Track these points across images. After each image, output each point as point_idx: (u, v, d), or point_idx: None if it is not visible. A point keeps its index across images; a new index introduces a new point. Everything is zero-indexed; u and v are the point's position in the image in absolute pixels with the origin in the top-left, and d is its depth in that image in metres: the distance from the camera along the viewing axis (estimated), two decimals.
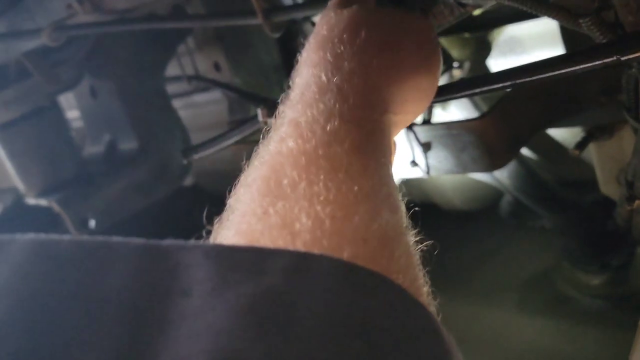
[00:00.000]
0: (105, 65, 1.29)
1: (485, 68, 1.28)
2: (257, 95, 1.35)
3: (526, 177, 1.33)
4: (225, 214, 0.45)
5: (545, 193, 1.38)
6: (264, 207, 0.40)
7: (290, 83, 0.55)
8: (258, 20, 0.91)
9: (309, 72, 0.52)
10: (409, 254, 0.41)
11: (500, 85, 0.67)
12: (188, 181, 1.85)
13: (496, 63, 1.26)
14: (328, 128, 0.44)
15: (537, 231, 1.67)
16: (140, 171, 1.29)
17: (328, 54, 0.52)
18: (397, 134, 0.60)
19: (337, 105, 0.47)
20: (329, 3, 0.63)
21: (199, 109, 2.09)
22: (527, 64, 0.67)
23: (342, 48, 0.52)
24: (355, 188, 0.40)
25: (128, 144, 1.32)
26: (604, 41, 0.62)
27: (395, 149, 0.63)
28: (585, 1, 0.79)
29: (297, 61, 0.57)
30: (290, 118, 0.47)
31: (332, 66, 0.51)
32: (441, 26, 0.73)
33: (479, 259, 1.91)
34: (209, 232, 0.46)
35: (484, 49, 1.27)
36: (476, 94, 0.76)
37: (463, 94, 0.72)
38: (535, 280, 1.74)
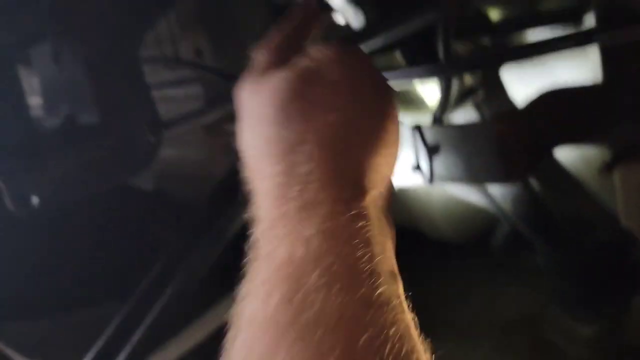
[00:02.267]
0: (72, 27, 1.14)
1: (498, 78, 1.16)
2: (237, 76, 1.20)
3: (530, 204, 1.21)
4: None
5: (548, 225, 1.26)
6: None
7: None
8: None
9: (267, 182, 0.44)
10: None
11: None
12: (150, 185, 1.71)
13: (511, 75, 1.15)
14: (312, 247, 0.38)
15: (529, 269, 1.55)
16: (98, 150, 1.13)
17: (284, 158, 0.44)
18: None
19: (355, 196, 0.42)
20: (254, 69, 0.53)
21: (175, 104, 1.95)
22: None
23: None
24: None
25: (88, 119, 1.16)
26: None
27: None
28: None
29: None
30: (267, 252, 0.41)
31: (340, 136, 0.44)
32: None
33: (463, 292, 1.79)
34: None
35: (497, 58, 1.15)
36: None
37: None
38: (520, 322, 1.62)
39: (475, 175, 0.87)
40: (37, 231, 1.18)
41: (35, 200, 1.04)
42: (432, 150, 0.89)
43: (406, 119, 1.42)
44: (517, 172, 0.84)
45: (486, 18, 1.07)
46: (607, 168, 0.82)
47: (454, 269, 1.81)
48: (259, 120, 0.47)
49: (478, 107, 1.12)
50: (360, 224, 0.41)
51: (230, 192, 1.05)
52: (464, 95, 1.09)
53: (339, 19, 1.06)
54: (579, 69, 1.07)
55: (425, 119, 1.37)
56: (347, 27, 1.13)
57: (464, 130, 0.85)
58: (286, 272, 0.38)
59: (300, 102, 0.45)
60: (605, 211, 1.12)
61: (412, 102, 1.34)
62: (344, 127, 0.45)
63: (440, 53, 0.80)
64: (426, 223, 1.69)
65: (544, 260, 1.44)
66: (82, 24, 1.15)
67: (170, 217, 2.60)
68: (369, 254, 0.39)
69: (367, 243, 0.40)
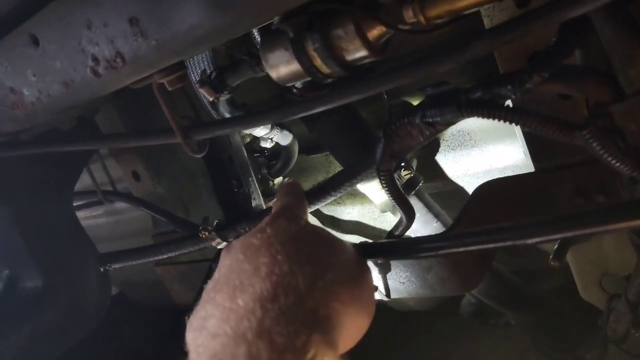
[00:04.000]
0: (0, 191, 1.09)
1: (435, 164, 1.17)
2: (176, 217, 1.18)
3: (490, 279, 1.21)
4: None
5: (511, 292, 1.26)
6: None
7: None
8: (177, 140, 0.77)
9: (273, 271, 0.50)
10: None
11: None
12: (112, 291, 1.64)
13: (445, 158, 1.16)
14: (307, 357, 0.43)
15: (502, 327, 1.55)
16: (47, 315, 1.08)
17: (303, 259, 0.51)
18: None
19: (314, 330, 0.45)
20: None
21: (120, 216, 1.89)
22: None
23: (310, 263, 0.51)
24: None
25: (31, 281, 1.11)
26: (606, 156, 0.51)
27: None
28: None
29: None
30: (262, 324, 0.44)
31: (304, 276, 0.49)
32: (413, 148, 0.61)
33: (440, 356, 1.77)
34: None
35: (432, 144, 1.17)
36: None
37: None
38: None
39: (431, 289, 0.86)
40: None
41: None
42: (384, 268, 0.87)
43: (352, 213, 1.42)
44: (471, 281, 0.84)
45: None
46: (558, 259, 0.82)
47: (426, 337, 1.81)
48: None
49: (420, 196, 1.12)
50: None
51: None
52: (405, 190, 1.09)
53: (267, 143, 1.06)
54: (508, 147, 1.09)
55: (369, 211, 1.38)
56: (277, 145, 1.13)
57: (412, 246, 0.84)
58: None
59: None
60: None
61: (356, 195, 1.34)
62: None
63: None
64: (395, 300, 1.68)
65: (515, 320, 1.44)
66: (8, 187, 1.11)
67: (138, 321, 2.51)
68: None
69: None
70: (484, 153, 1.11)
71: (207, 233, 0.92)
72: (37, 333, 1.07)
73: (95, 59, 0.65)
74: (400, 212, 0.75)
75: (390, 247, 0.69)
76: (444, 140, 1.15)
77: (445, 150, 1.15)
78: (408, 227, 0.78)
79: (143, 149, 1.39)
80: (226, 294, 0.49)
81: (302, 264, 0.50)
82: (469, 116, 0.54)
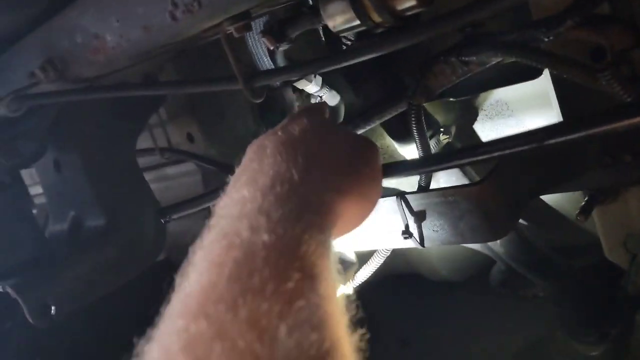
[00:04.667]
0: (70, 137, 1.21)
1: (473, 132, 1.24)
2: (233, 166, 1.27)
3: (520, 245, 1.27)
4: (185, 270, 0.50)
5: (540, 260, 1.31)
6: (233, 295, 0.43)
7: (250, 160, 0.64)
8: (238, 86, 0.85)
9: (272, 168, 0.59)
10: None
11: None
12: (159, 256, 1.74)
13: (483, 127, 1.22)
14: (297, 229, 0.50)
15: (530, 300, 1.60)
16: (108, 250, 1.19)
17: (299, 157, 0.60)
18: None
19: (306, 209, 0.54)
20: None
21: (171, 182, 2.00)
22: (541, 128, 0.61)
23: (312, 154, 0.62)
24: (317, 292, 0.45)
25: (94, 221, 1.22)
26: (627, 97, 0.57)
27: None
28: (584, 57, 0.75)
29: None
30: (261, 206, 0.53)
31: (302, 169, 0.58)
32: (444, 86, 0.68)
33: (466, 330, 1.83)
34: None
35: (470, 113, 1.23)
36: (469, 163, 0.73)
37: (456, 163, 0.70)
38: (529, 353, 1.65)
39: (462, 237, 0.93)
40: None
41: (52, 310, 1.09)
42: (420, 217, 0.94)
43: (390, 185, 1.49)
44: (500, 231, 0.90)
45: None
46: (584, 214, 0.88)
47: (455, 309, 1.86)
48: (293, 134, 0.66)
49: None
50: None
51: None
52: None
53: (316, 101, 1.14)
54: (545, 117, 1.14)
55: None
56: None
57: (445, 194, 0.91)
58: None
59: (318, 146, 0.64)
60: (592, 235, 1.16)
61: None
62: (347, 175, 0.63)
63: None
64: (425, 267, 1.74)
65: (543, 292, 1.49)
66: (78, 133, 1.22)
67: None
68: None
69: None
70: (520, 123, 1.17)
71: None
72: (97, 267, 1.18)
73: (174, 3, 0.74)
74: (419, 148, 0.82)
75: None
76: (482, 109, 1.21)
77: (483, 119, 1.21)
78: None
79: (197, 113, 1.49)
80: (236, 188, 0.60)
81: (297, 158, 0.61)
82: (502, 56, 0.61)
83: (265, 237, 0.48)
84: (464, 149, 0.69)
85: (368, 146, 0.70)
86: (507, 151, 0.63)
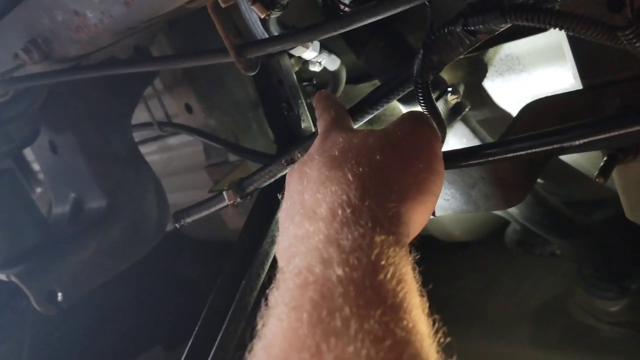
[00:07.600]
0: (63, 117, 1.16)
1: (482, 90, 1.18)
2: (230, 142, 1.23)
3: (535, 205, 1.22)
4: (264, 314, 0.48)
5: (556, 219, 1.27)
6: (316, 341, 0.41)
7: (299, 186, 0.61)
8: (230, 59, 0.80)
9: (325, 194, 0.56)
10: None
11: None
12: (168, 227, 1.72)
13: (493, 84, 1.16)
14: (373, 257, 0.47)
15: (546, 256, 1.57)
16: (111, 231, 1.16)
17: (349, 174, 0.56)
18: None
19: (378, 230, 0.50)
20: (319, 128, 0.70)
21: (173, 152, 1.97)
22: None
23: (361, 169, 0.57)
24: (402, 325, 0.43)
25: (96, 202, 1.19)
26: None
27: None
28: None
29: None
30: (329, 236, 0.50)
31: (357, 187, 0.55)
32: (451, 59, 0.63)
33: (483, 290, 1.80)
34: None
35: (479, 69, 1.16)
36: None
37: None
38: (548, 310, 1.62)
39: (475, 205, 0.88)
40: None
41: (59, 296, 1.07)
42: None
43: None
44: (515, 197, 0.85)
45: None
46: (603, 175, 0.83)
47: (470, 269, 1.83)
48: (344, 152, 0.62)
49: (467, 122, 1.13)
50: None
51: None
52: (452, 115, 1.10)
53: (315, 67, 1.08)
54: (559, 72, 1.08)
55: None
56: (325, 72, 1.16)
57: None
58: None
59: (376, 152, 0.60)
60: (609, 190, 1.12)
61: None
62: (409, 175, 0.59)
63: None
64: (437, 228, 1.71)
65: (561, 249, 1.45)
66: (71, 113, 1.18)
67: (191, 255, 2.63)
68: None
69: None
70: (532, 78, 1.11)
71: None
72: (101, 249, 1.15)
73: None
74: None
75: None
76: (492, 65, 1.15)
77: (493, 76, 1.15)
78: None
79: (195, 82, 1.44)
80: (295, 224, 0.57)
81: (348, 178, 0.57)
82: (512, 22, 0.55)
83: (339, 271, 0.46)
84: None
85: (424, 135, 0.64)
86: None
